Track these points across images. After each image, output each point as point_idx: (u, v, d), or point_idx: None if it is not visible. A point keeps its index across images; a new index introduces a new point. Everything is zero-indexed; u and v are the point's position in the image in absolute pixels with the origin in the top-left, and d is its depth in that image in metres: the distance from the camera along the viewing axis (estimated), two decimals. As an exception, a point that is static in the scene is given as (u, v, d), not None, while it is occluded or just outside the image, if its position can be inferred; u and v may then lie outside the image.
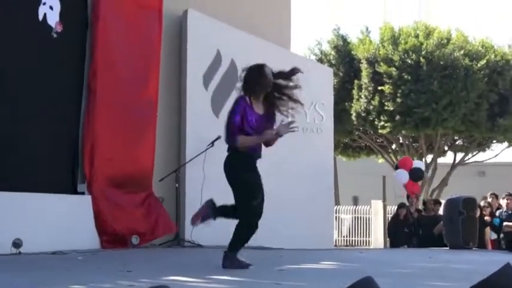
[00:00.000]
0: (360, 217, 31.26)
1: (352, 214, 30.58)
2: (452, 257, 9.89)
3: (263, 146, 7.33)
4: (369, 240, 30.77)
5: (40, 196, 9.97)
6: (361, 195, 36.48)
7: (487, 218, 15.06)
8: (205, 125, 12.31)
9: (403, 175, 16.48)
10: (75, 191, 10.79)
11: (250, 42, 13.09)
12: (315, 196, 13.23)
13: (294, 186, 13.03)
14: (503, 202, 15.53)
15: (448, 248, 12.58)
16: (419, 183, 17.10)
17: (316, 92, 13.55)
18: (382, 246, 28.23)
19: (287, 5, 15.22)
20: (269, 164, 12.39)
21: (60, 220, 10.06)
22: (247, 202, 7.11)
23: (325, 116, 14.16)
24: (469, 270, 7.83)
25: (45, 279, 6.18)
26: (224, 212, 7.36)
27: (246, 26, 13.19)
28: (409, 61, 26.44)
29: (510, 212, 14.82)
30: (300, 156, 13.03)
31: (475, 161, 31.63)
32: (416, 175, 17.16)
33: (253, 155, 7.24)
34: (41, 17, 10.29)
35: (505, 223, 15.32)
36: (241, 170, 7.22)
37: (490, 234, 15.34)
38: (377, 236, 30.54)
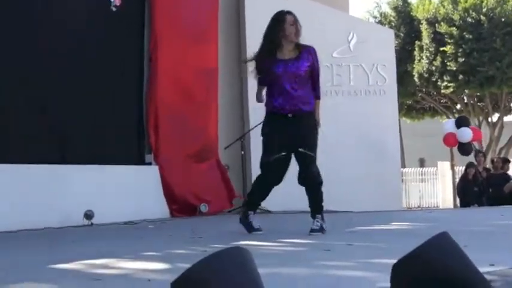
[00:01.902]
0: (427, 179, 31.00)
1: (419, 176, 30.32)
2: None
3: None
4: (436, 202, 30.50)
5: (109, 168, 10.06)
6: (427, 157, 36.17)
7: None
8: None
9: (466, 132, 16.27)
10: (142, 162, 10.86)
11: (310, 8, 12.94)
12: (381, 158, 13.11)
13: (360, 149, 12.93)
14: None
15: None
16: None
17: (377, 54, 13.40)
18: (451, 206, 28.00)
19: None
20: (335, 128, 12.41)
21: (129, 191, 10.13)
22: (261, 156, 7.10)
23: (388, 77, 13.98)
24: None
25: (119, 247, 6.23)
26: None
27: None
28: (470, 20, 26.04)
29: None
30: (364, 118, 12.91)
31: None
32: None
33: (276, 113, 7.05)
34: (100, -9, 10.31)
35: None
36: (263, 126, 7.16)
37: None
38: (445, 198, 30.25)
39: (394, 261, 4.57)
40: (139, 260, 4.96)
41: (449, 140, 16.97)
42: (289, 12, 7.25)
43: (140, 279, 3.99)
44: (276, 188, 11.55)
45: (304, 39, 12.63)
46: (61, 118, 9.69)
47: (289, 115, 6.94)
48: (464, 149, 16.57)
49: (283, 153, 6.97)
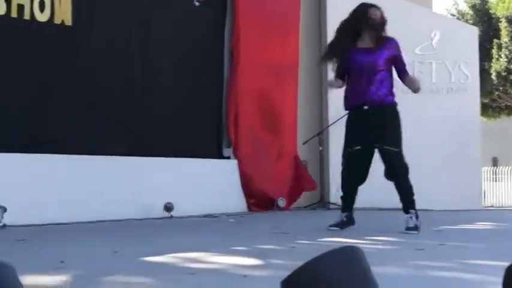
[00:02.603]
0: (501, 177, 30.47)
1: (492, 175, 29.81)
2: None
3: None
4: (510, 201, 29.99)
5: (188, 161, 10.05)
6: (501, 156, 35.65)
7: None
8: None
9: None
10: (220, 156, 10.83)
11: (390, 3, 12.72)
12: (462, 156, 12.87)
13: (440, 147, 12.71)
14: None
15: None
16: None
17: (460, 51, 13.16)
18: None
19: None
20: (416, 125, 12.20)
21: (208, 184, 10.10)
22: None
23: (471, 75, 13.71)
24: None
25: (206, 241, 6.18)
26: None
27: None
28: (551, 16, 25.49)
29: None
30: (445, 116, 12.68)
31: None
32: None
33: (352, 110, 6.94)
34: (184, -14, 10.32)
35: None
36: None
37: None
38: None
39: (495, 262, 4.43)
40: (230, 254, 4.88)
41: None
42: (373, 5, 7.04)
43: (236, 275, 3.90)
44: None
45: (389, 35, 12.51)
46: (143, 110, 9.69)
47: (365, 107, 6.77)
48: None
49: (359, 147, 6.81)
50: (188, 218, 8.90)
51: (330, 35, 11.97)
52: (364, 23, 6.87)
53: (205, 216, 9.21)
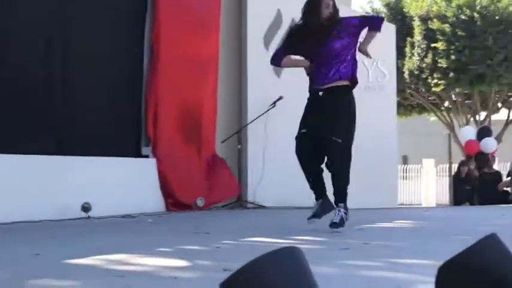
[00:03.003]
0: (411, 176, 31.08)
1: (402, 173, 30.33)
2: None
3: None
4: (419, 200, 30.57)
5: (106, 160, 9.92)
6: (411, 154, 36.26)
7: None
8: (266, 85, 12.17)
9: (491, 142, 16.13)
10: (138, 154, 10.73)
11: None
12: (379, 154, 13.04)
13: (358, 145, 12.79)
14: None
15: (515, 204, 12.41)
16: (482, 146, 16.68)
17: (378, 49, 13.26)
18: (433, 204, 28.07)
19: (346, -39, 14.98)
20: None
21: (126, 184, 10.00)
22: None
23: (388, 73, 13.93)
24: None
25: (129, 242, 6.11)
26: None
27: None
28: (463, 17, 26.04)
29: None
30: (364, 114, 12.78)
31: (529, 117, 31.25)
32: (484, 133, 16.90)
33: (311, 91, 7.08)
34: (101, -21, 10.20)
35: None
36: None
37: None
38: (428, 195, 30.32)
39: (421, 261, 4.51)
40: (156, 256, 4.85)
41: (470, 147, 16.84)
42: None
43: (165, 277, 3.87)
44: (271, 183, 11.56)
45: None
46: (58, 108, 9.54)
47: (320, 93, 6.93)
48: (484, 159, 16.35)
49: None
50: (106, 219, 8.78)
51: (251, 31, 12.09)
52: (317, 18, 6.89)
53: (123, 216, 9.11)
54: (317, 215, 6.88)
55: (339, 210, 6.76)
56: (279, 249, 2.73)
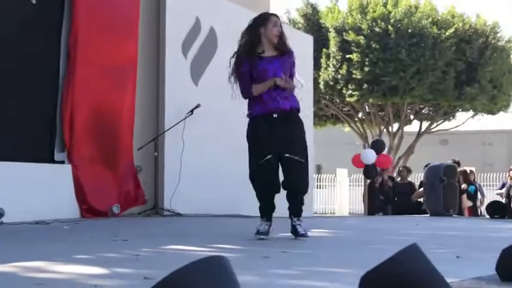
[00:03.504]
0: (324, 185, 31.42)
1: (316, 182, 30.63)
2: (440, 224, 9.87)
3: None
4: (333, 208, 30.92)
5: (20, 165, 9.74)
6: (325, 164, 36.62)
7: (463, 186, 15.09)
8: (184, 93, 12.15)
9: (371, 154, 16.33)
10: (52, 160, 10.57)
11: (229, 9, 12.90)
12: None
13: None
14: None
15: (428, 215, 12.62)
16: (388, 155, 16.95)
17: (296, 59, 13.38)
18: (346, 213, 28.42)
19: (265, -29, 15.05)
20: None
21: (40, 189, 9.85)
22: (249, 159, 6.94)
23: (305, 84, 14.01)
24: (466, 237, 7.84)
25: (47, 249, 6.00)
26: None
27: (225, -8, 12.99)
28: (377, 29, 26.50)
29: None
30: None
31: (440, 130, 31.91)
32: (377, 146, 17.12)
33: (263, 115, 6.91)
34: (19, -16, 10.04)
35: (497, 191, 15.63)
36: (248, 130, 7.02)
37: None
38: (341, 204, 30.70)
39: (341, 270, 4.55)
40: (75, 263, 4.77)
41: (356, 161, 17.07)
42: (274, 15, 7.22)
43: (85, 285, 3.80)
44: (187, 190, 11.53)
45: (224, 42, 12.62)
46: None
47: (274, 115, 6.85)
48: (369, 171, 16.53)
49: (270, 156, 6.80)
50: (20, 225, 8.61)
51: (169, 38, 12.04)
52: (263, 33, 6.94)
53: (37, 222, 8.95)
54: (267, 233, 6.85)
55: (301, 222, 6.83)
56: (206, 257, 2.73)
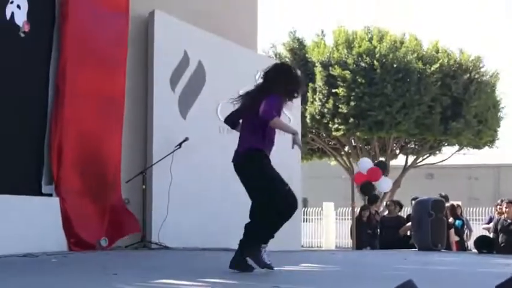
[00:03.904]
0: (311, 219, 31.37)
1: (303, 216, 30.55)
2: (428, 259, 9.85)
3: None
4: (319, 242, 30.84)
5: (7, 198, 9.67)
6: (310, 197, 36.61)
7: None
8: (172, 127, 12.16)
9: (367, 161, 16.33)
10: (40, 193, 10.52)
11: (217, 44, 12.94)
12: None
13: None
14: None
15: (416, 249, 12.60)
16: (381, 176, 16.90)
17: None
18: (333, 247, 28.35)
19: (254, 7, 15.10)
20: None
21: (27, 222, 9.79)
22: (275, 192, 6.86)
23: (293, 118, 14.08)
24: (456, 272, 7.81)
25: (35, 282, 5.94)
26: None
27: (213, 27, 13.02)
28: (363, 64, 26.60)
29: (509, 221, 14.53)
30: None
31: (426, 164, 31.97)
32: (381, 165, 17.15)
33: (268, 152, 7.10)
34: (8, 16, 10.04)
35: (484, 226, 15.67)
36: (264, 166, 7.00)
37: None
38: (328, 238, 30.64)
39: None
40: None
41: (358, 178, 17.02)
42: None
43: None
44: (174, 223, 11.49)
45: (212, 76, 12.65)
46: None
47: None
48: (368, 189, 16.55)
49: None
50: (7, 258, 8.53)
51: (157, 71, 12.06)
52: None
53: (25, 255, 8.87)
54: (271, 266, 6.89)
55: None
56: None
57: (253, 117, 6.94)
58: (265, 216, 6.81)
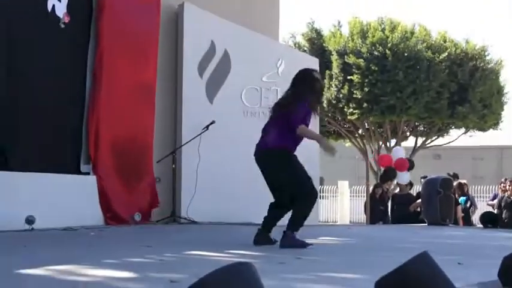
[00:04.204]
0: (327, 196, 31.34)
1: (320, 193, 30.51)
2: (438, 233, 9.79)
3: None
4: (335, 217, 30.81)
5: (49, 176, 9.71)
6: (326, 176, 36.57)
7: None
8: (200, 110, 12.14)
9: (400, 151, 16.12)
10: (78, 172, 10.55)
11: (242, 34, 12.88)
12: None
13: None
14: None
15: (425, 224, 12.53)
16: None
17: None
18: (347, 222, 28.30)
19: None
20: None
21: (67, 199, 9.82)
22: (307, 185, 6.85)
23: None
24: (465, 245, 7.76)
25: (75, 253, 5.95)
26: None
27: (238, 18, 12.96)
28: (376, 53, 26.46)
29: None
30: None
31: (434, 145, 31.86)
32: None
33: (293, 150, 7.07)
34: (49, 8, 10.06)
35: (489, 202, 15.63)
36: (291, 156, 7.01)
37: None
38: (343, 214, 30.60)
39: (353, 275, 4.48)
40: (103, 267, 4.68)
41: (384, 162, 16.81)
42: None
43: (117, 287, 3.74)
44: (202, 200, 11.49)
45: (237, 64, 12.59)
46: (6, 126, 9.33)
47: None
48: (390, 174, 16.35)
49: None
50: (49, 231, 8.56)
51: (187, 58, 12.04)
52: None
53: (65, 229, 8.90)
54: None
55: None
56: (234, 264, 2.66)
57: (283, 121, 6.92)
58: (299, 207, 6.79)
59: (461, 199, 15.44)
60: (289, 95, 7.09)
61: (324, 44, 28.30)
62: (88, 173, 10.57)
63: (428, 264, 3.34)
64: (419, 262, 3.29)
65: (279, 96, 12.71)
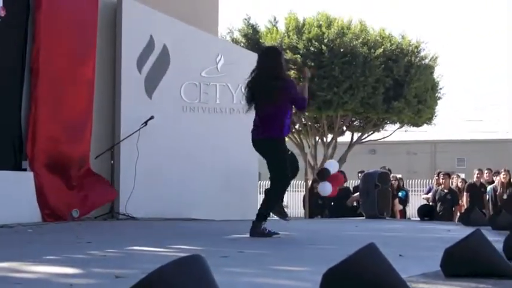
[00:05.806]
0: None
1: (258, 189, 30.52)
2: (377, 226, 9.90)
3: None
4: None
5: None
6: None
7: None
8: (139, 106, 12.06)
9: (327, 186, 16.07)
10: (18, 168, 10.41)
11: (181, 29, 12.81)
12: (241, 172, 13.09)
13: (222, 161, 12.87)
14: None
15: (363, 217, 12.68)
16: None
17: (241, 74, 13.31)
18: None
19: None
20: (202, 141, 12.29)
21: (3, 195, 9.67)
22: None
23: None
24: (404, 237, 7.88)
25: (15, 250, 5.86)
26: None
27: (178, 13, 12.88)
28: (312, 49, 26.62)
29: (446, 191, 14.81)
30: (228, 134, 12.85)
31: (370, 140, 32.22)
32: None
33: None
34: (-16, 1, 9.89)
35: (424, 196, 15.88)
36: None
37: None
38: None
39: (297, 268, 4.51)
40: (47, 264, 4.64)
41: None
42: None
43: (62, 284, 3.70)
44: (140, 196, 11.45)
45: (176, 59, 12.54)
46: None
47: None
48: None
49: None
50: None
51: (125, 53, 11.95)
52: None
53: (1, 226, 8.76)
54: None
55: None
56: (185, 257, 2.66)
57: (272, 107, 7.46)
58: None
59: (402, 193, 15.72)
60: (271, 76, 7.52)
61: (260, 40, 28.34)
62: (25, 169, 10.43)
63: (376, 256, 3.39)
64: (367, 253, 3.33)
65: (218, 92, 12.94)
